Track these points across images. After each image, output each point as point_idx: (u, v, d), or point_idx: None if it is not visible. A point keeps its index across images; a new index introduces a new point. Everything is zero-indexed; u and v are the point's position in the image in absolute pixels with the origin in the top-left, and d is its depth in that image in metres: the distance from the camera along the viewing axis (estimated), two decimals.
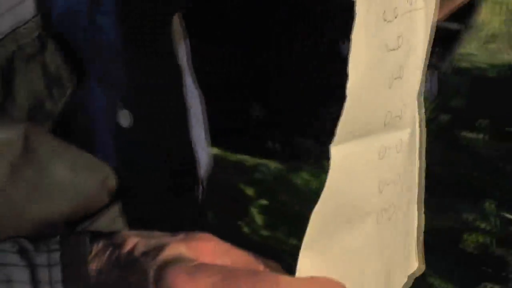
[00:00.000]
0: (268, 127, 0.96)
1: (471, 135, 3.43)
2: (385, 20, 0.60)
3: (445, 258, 2.85)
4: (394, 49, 0.62)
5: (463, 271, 2.82)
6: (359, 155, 0.62)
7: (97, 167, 0.73)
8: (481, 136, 3.42)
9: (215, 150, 2.95)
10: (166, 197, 0.78)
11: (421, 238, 0.68)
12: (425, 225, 2.44)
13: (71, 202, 0.70)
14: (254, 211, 2.99)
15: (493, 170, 3.28)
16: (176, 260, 0.62)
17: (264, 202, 3.03)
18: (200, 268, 0.61)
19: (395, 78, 0.63)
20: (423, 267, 0.69)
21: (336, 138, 0.59)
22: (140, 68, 0.80)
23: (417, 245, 0.68)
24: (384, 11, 0.59)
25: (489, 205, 3.00)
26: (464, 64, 3.80)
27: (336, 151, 0.59)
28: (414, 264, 0.68)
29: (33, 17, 0.70)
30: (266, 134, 0.96)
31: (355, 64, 0.59)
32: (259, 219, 2.96)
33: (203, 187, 0.87)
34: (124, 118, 0.79)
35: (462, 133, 3.43)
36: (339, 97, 0.86)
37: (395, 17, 0.61)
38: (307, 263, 0.62)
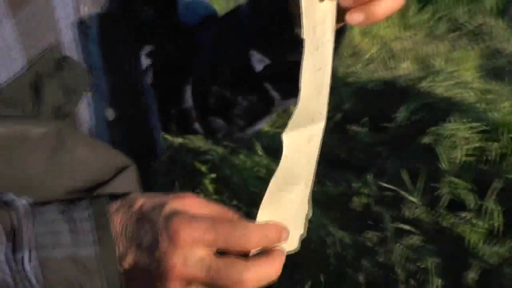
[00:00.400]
0: (195, 113, 0.92)
1: (356, 129, 3.43)
2: (315, 50, 0.63)
3: (337, 213, 2.83)
4: (319, 69, 0.64)
5: (353, 223, 2.80)
6: (299, 140, 0.64)
7: (108, 151, 0.71)
8: (363, 129, 3.42)
9: (180, 140, 2.95)
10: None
11: (311, 192, 0.68)
12: (326, 191, 2.48)
13: (90, 176, 0.68)
14: (206, 182, 2.95)
15: (371, 152, 3.28)
16: (175, 213, 0.62)
17: (213, 175, 2.98)
18: (195, 217, 0.62)
19: (320, 89, 0.64)
20: (311, 212, 0.68)
21: (287, 129, 0.62)
22: (116, 80, 0.78)
23: (309, 199, 0.68)
24: (317, 45, 0.63)
25: (370, 177, 2.99)
26: (351, 79, 3.84)
27: (287, 137, 0.62)
28: (310, 211, 0.68)
29: (52, 47, 0.69)
30: (194, 118, 0.93)
31: (304, 82, 0.62)
32: (210, 187, 2.91)
33: (160, 160, 0.85)
34: (109, 114, 0.77)
35: (350, 127, 3.45)
36: (242, 92, 0.87)
37: (319, 47, 0.63)
38: (265, 214, 0.64)
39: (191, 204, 0.63)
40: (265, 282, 0.62)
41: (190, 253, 0.60)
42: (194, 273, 0.61)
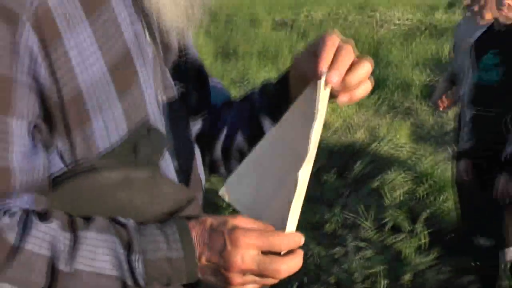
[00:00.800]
0: (222, 161, 0.88)
1: (327, 176, 3.40)
2: (317, 119, 0.64)
3: (315, 235, 2.87)
4: (318, 130, 0.65)
5: (325, 242, 2.84)
6: (305, 173, 0.65)
7: (182, 188, 0.71)
8: (332, 176, 3.42)
9: (207, 184, 2.93)
10: None
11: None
12: (307, 219, 2.58)
13: (171, 205, 0.67)
14: (226, 213, 2.55)
15: (338, 192, 3.34)
16: (235, 227, 0.63)
17: (230, 209, 2.62)
18: (248, 229, 0.63)
19: (316, 143, 0.65)
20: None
21: (302, 167, 0.64)
22: (176, 140, 0.77)
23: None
24: (318, 115, 0.64)
25: (337, 210, 3.09)
26: (323, 144, 3.71)
27: (301, 172, 0.64)
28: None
29: (144, 120, 0.68)
30: (221, 164, 0.88)
31: (313, 138, 0.64)
32: None
33: (203, 192, 0.82)
34: (175, 164, 0.75)
35: (323, 175, 3.40)
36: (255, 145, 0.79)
37: (319, 117, 0.65)
38: (290, 226, 0.65)
39: (243, 221, 0.65)
40: (292, 271, 0.64)
41: (246, 253, 0.62)
42: (248, 266, 0.62)
